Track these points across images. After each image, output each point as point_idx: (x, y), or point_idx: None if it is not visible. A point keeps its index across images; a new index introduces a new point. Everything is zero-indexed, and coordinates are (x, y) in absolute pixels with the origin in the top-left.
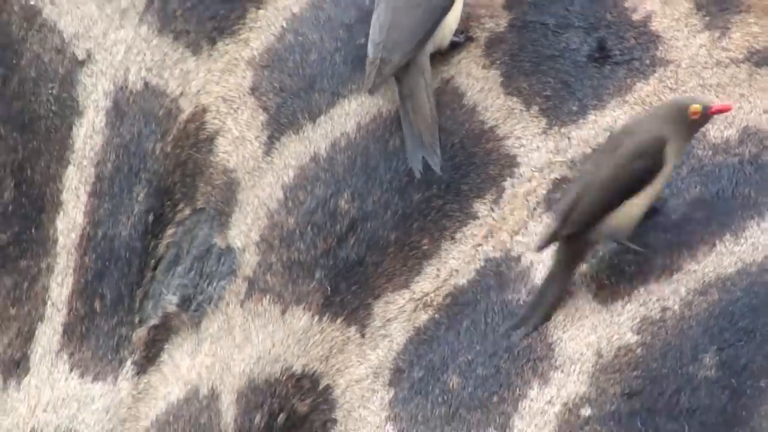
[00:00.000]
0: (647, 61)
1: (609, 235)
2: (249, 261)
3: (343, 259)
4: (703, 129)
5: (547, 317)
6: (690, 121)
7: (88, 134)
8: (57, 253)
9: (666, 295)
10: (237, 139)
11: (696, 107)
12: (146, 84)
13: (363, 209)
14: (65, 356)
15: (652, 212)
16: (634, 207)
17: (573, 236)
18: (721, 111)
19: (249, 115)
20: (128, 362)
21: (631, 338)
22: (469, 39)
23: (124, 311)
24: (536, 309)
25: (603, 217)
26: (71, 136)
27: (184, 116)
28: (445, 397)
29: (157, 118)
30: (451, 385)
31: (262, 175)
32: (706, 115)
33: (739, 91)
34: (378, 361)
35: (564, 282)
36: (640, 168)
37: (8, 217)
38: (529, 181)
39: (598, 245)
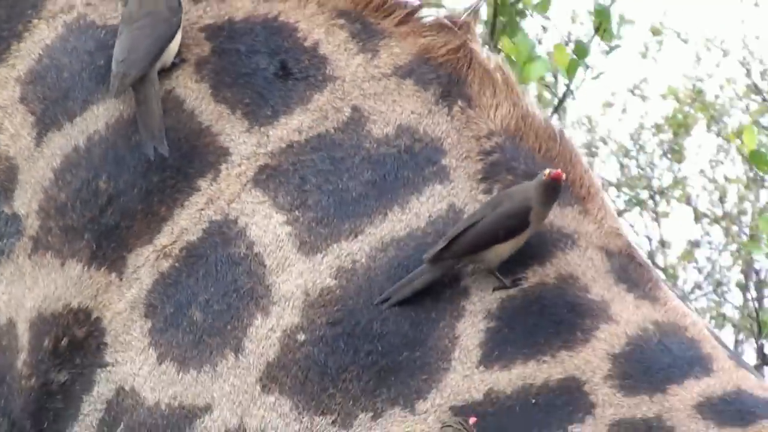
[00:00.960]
0: (320, 77)
1: (479, 264)
2: (32, 224)
3: (105, 225)
4: (367, 127)
5: (406, 299)
6: (545, 186)
7: None
8: None
9: (354, 251)
10: (13, 135)
11: (546, 173)
12: None
13: (117, 188)
14: None
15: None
16: (501, 251)
17: (451, 258)
18: (557, 175)
19: (21, 118)
20: None
21: (331, 282)
22: (183, 60)
23: None
24: (400, 290)
25: (477, 252)
26: None
27: None
28: (191, 328)
29: None
30: (194, 318)
31: (35, 161)
32: (551, 178)
33: (392, 98)
34: (133, 298)
35: (429, 280)
36: (509, 226)
37: None
38: (239, 166)
39: (465, 267)
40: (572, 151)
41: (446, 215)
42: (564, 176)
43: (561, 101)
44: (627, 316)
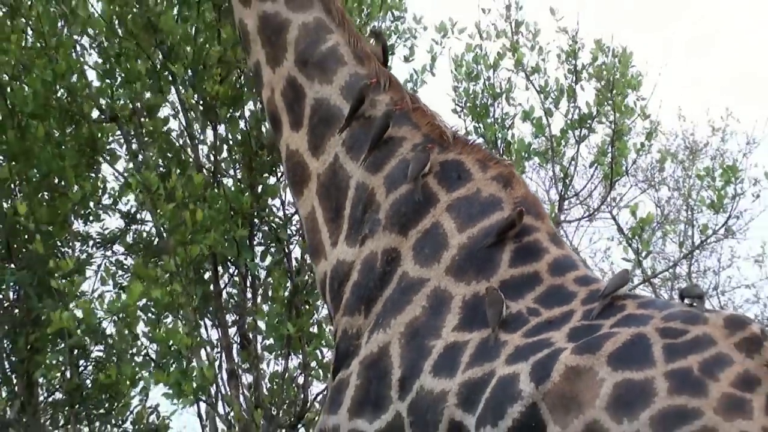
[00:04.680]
0: (467, 178)
1: (510, 236)
2: (383, 222)
3: (399, 222)
4: (480, 193)
5: (490, 246)
6: (518, 214)
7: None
8: (343, 216)
9: (473, 231)
10: (377, 194)
11: (517, 210)
12: None
13: (406, 208)
14: (341, 242)
15: None
16: (512, 232)
17: (498, 237)
18: (520, 212)
19: (381, 191)
20: (359, 241)
21: (465, 240)
22: (430, 171)
23: (355, 230)
24: (486, 243)
25: (506, 233)
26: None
27: None
28: (424, 254)
29: None
30: (425, 250)
31: (383, 204)
32: (518, 212)
33: (489, 185)
34: (407, 246)
35: (493, 242)
36: (510, 226)
37: (335, 210)
38: (441, 205)
39: (504, 240)
40: (539, 203)
41: (502, 221)
42: (524, 212)
43: None
44: (554, 252)
